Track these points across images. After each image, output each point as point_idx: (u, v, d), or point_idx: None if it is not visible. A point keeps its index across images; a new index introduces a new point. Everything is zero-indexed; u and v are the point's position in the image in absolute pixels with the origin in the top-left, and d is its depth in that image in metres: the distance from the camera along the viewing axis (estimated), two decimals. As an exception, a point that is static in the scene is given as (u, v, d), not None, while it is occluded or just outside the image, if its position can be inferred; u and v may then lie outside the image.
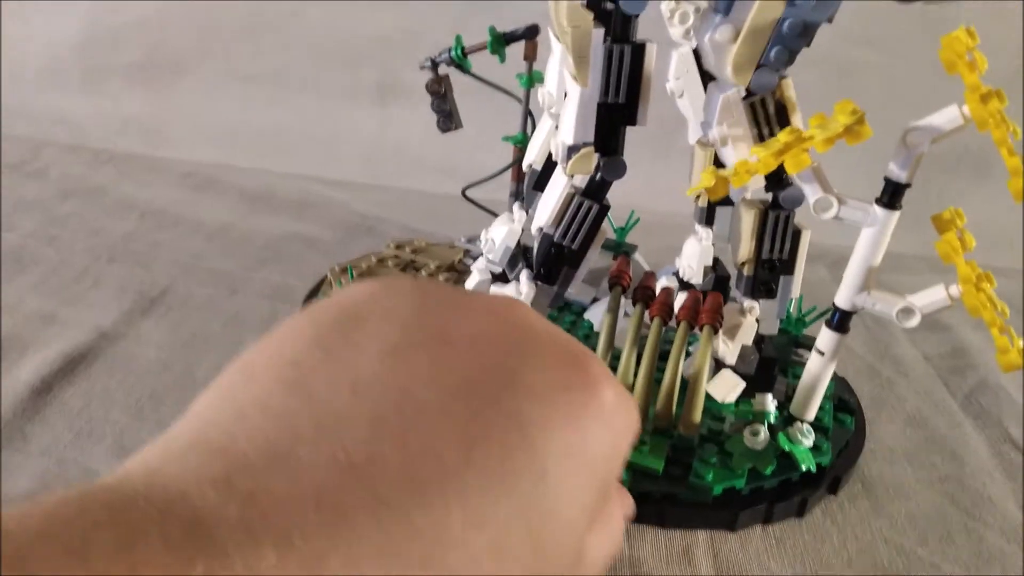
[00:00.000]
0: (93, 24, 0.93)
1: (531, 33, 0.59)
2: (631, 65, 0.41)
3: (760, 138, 0.43)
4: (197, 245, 0.71)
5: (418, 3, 0.88)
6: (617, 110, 0.42)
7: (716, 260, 0.60)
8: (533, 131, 0.61)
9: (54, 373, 0.51)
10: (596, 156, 0.43)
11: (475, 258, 0.65)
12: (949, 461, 0.52)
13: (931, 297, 0.42)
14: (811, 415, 0.48)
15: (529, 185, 0.55)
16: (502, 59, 0.58)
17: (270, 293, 0.64)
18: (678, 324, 0.47)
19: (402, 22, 0.89)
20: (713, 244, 0.56)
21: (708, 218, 0.56)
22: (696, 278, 0.59)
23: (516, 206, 0.56)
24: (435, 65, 0.60)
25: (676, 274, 0.61)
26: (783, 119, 0.43)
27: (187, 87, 0.94)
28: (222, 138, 0.92)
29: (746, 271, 0.49)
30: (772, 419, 0.47)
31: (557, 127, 0.52)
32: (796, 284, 0.49)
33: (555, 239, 0.45)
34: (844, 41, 0.79)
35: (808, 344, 0.58)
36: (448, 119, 0.61)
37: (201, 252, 0.70)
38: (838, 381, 0.56)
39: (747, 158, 0.40)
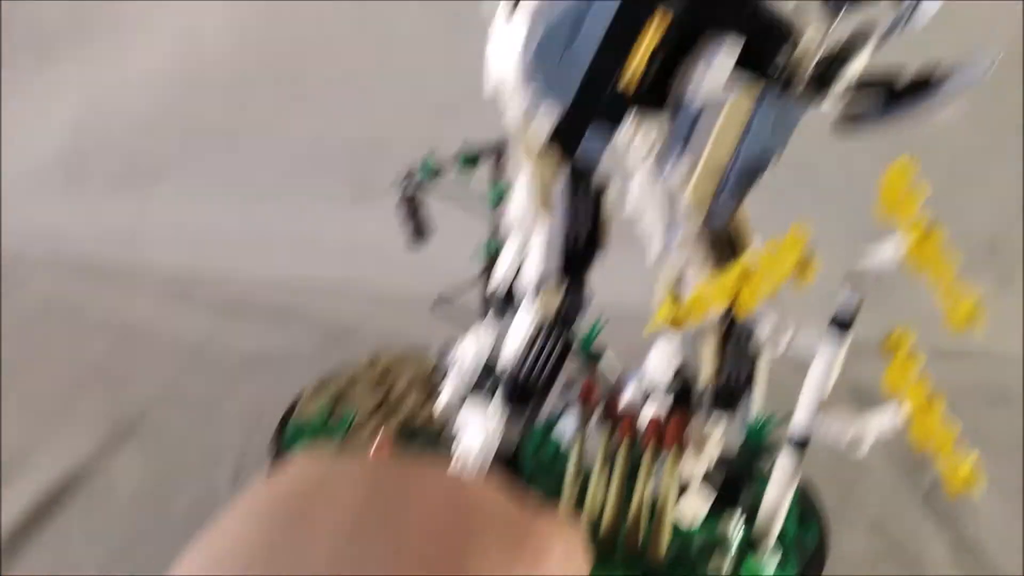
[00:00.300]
0: (74, 134, 0.95)
1: (497, 152, 0.62)
2: (593, 208, 0.43)
3: (718, 262, 0.45)
4: (173, 365, 0.73)
5: (389, 111, 0.91)
6: (581, 243, 0.44)
7: (683, 366, 0.62)
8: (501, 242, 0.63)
9: (28, 518, 0.51)
10: (562, 290, 0.45)
11: (448, 368, 0.67)
12: (910, 567, 0.54)
13: (882, 422, 0.43)
14: (775, 535, 0.50)
15: (498, 302, 0.57)
16: (470, 180, 0.60)
17: (245, 418, 0.65)
18: (645, 446, 0.49)
19: (374, 129, 0.92)
20: (679, 348, 0.58)
21: (673, 328, 0.58)
22: (662, 385, 0.61)
23: (486, 322, 0.58)
24: (406, 182, 0.61)
25: (642, 380, 0.63)
26: (739, 244, 0.45)
27: (166, 193, 0.96)
28: (200, 243, 0.94)
29: (708, 391, 0.51)
30: (734, 548, 0.49)
31: (524, 251, 0.54)
32: (758, 400, 0.51)
33: (522, 374, 0.46)
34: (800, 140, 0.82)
35: (771, 450, 0.60)
36: (419, 233, 0.63)
37: (177, 373, 0.71)
38: (801, 488, 0.57)
39: (705, 287, 0.42)
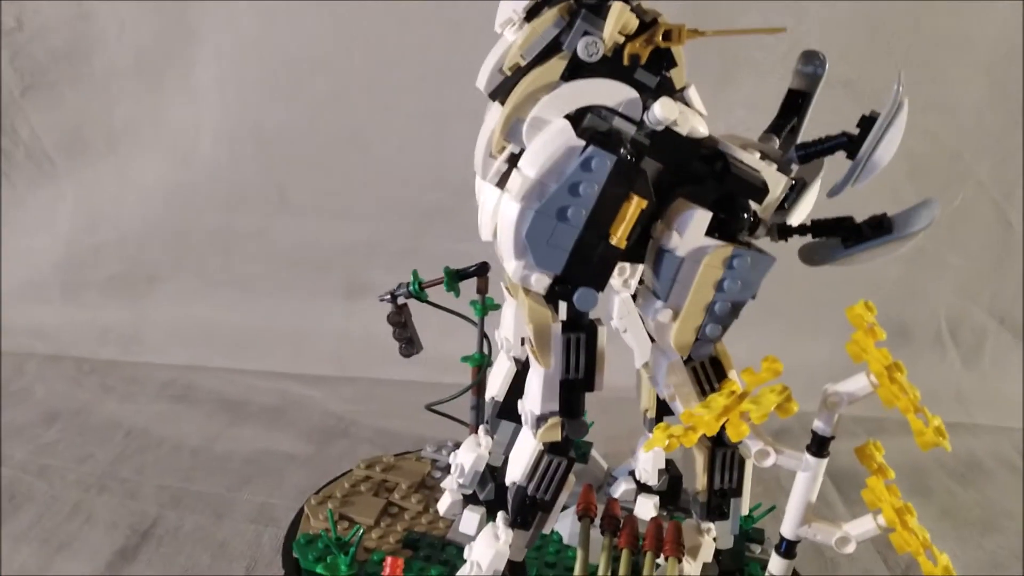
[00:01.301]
0: (72, 243, 0.99)
1: (482, 270, 0.64)
2: (587, 343, 0.47)
3: (702, 392, 0.49)
4: (181, 466, 0.75)
5: (378, 215, 0.97)
6: (577, 382, 0.47)
7: (669, 461, 0.65)
8: (489, 351, 0.66)
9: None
10: (560, 422, 0.48)
11: (442, 469, 0.70)
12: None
13: (863, 526, 0.48)
14: None
15: (492, 414, 0.59)
16: (457, 294, 0.63)
17: (254, 516, 0.68)
18: (646, 551, 0.52)
19: (365, 233, 0.97)
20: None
21: (659, 421, 0.61)
22: (652, 480, 0.65)
23: (481, 431, 0.61)
24: (394, 298, 0.64)
25: (632, 474, 0.66)
26: (719, 371, 0.49)
27: (163, 296, 1.00)
28: (198, 342, 0.98)
29: (700, 499, 0.54)
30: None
31: (518, 370, 0.57)
32: (745, 503, 0.55)
33: (529, 493, 0.49)
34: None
35: (758, 538, 0.64)
36: (410, 345, 0.65)
37: (186, 473, 0.74)
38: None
39: (696, 416, 0.44)
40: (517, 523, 0.50)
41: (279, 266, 0.98)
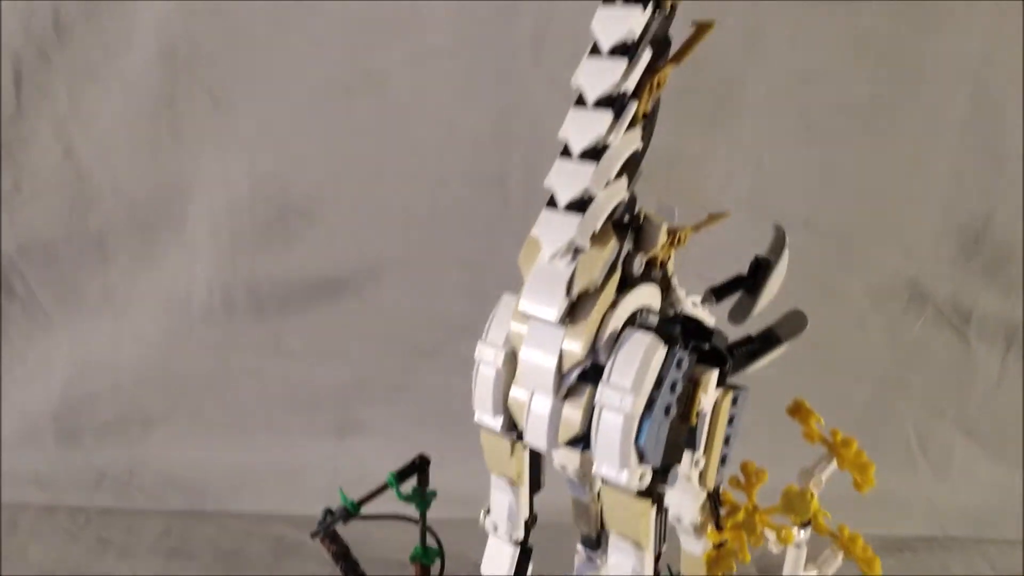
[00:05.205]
0: (68, 390, 1.01)
1: (423, 465, 0.65)
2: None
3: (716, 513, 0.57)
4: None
5: (368, 356, 1.00)
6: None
7: None
8: (440, 546, 0.67)
9: None
10: None
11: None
12: None
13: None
14: None
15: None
16: (401, 496, 0.64)
17: None
18: None
19: (356, 371, 1.00)
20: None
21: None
22: None
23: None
24: (327, 528, 0.62)
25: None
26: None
27: (158, 439, 1.01)
28: (193, 485, 0.99)
29: None
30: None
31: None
32: None
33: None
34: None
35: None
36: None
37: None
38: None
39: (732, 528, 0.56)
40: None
41: (271, 408, 1.01)
